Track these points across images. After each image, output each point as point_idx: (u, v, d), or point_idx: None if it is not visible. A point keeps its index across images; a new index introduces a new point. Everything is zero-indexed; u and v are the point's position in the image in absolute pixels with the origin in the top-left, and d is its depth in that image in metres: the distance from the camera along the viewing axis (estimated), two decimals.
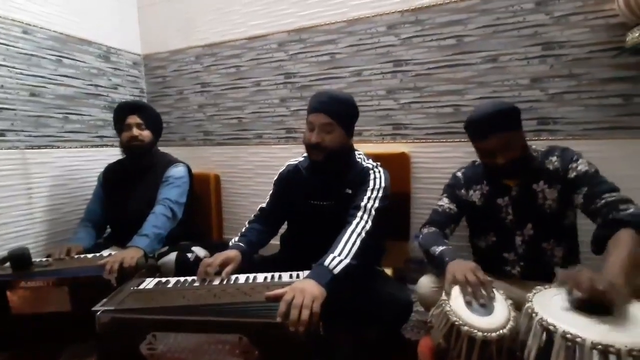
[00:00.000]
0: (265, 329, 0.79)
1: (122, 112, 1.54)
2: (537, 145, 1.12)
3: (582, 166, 1.00)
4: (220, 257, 1.08)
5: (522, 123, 1.06)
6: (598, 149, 1.32)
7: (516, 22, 1.45)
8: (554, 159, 1.05)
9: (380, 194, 1.11)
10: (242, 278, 1.02)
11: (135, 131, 1.50)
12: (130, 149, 1.52)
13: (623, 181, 1.01)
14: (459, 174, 1.23)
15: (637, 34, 1.18)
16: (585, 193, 0.97)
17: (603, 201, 0.92)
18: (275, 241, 1.38)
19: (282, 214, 1.33)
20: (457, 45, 1.56)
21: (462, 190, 1.19)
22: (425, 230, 1.17)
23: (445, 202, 1.20)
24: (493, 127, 1.02)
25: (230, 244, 1.20)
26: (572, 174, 1.00)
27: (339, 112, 1.13)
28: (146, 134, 1.53)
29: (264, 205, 1.34)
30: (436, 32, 1.58)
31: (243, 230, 1.28)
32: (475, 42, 1.53)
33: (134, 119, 1.51)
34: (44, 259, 1.28)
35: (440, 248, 1.04)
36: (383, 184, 1.14)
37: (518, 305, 0.84)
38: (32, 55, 1.72)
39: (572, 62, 1.39)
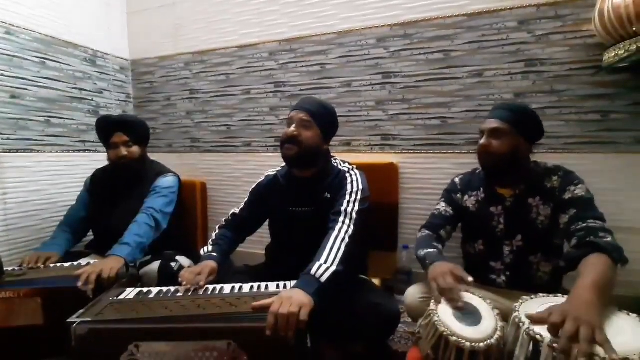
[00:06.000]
0: (255, 333, 0.77)
1: (106, 128, 1.46)
2: (545, 162, 1.13)
3: (579, 191, 1.01)
4: (198, 267, 1.06)
5: (529, 135, 1.08)
6: (578, 162, 1.35)
7: (500, 39, 1.51)
8: (555, 178, 1.06)
9: (359, 197, 1.11)
10: (227, 288, 0.99)
11: (123, 150, 1.43)
12: (119, 166, 1.46)
13: (602, 194, 1.05)
14: (457, 179, 1.26)
15: (613, 54, 1.23)
16: (571, 215, 0.98)
17: (585, 225, 0.93)
18: (260, 251, 1.36)
19: (254, 223, 1.32)
20: (444, 60, 1.60)
21: (458, 195, 1.21)
22: (419, 234, 1.19)
23: (442, 205, 1.23)
24: (498, 112, 1.09)
25: (203, 252, 1.17)
26: (567, 196, 1.01)
27: (318, 112, 1.16)
28: (134, 150, 1.47)
29: (236, 211, 1.31)
30: (424, 46, 1.63)
31: (214, 236, 1.25)
32: (461, 57, 1.57)
33: (120, 137, 1.43)
34: (18, 268, 1.22)
35: (425, 251, 1.07)
36: (361, 186, 1.14)
37: (504, 316, 0.85)
38: (14, 56, 1.67)
39: (553, 79, 1.45)
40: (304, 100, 1.21)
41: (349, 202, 1.10)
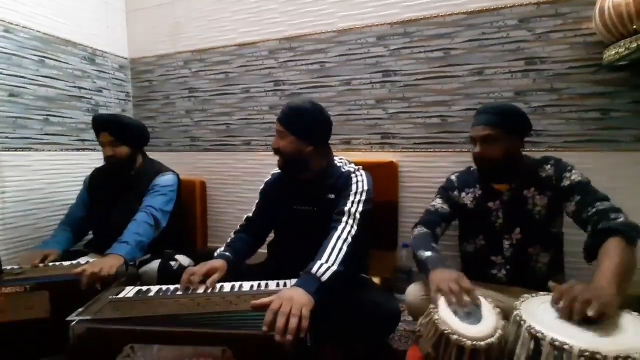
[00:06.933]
0: (250, 341, 0.76)
1: (95, 128, 1.47)
2: (531, 154, 1.15)
3: (575, 176, 1.03)
4: (205, 266, 1.05)
5: (519, 132, 1.10)
6: (578, 160, 1.34)
7: (500, 37, 1.51)
8: (548, 167, 1.08)
9: (363, 197, 1.11)
10: (227, 286, 0.99)
11: (109, 150, 1.43)
12: (110, 165, 1.47)
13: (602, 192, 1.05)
14: (453, 177, 1.27)
15: (613, 52, 1.23)
16: (577, 201, 1.00)
17: (594, 209, 0.95)
18: (262, 249, 1.35)
19: (268, 223, 1.32)
20: (444, 58, 1.60)
21: (455, 192, 1.22)
22: (415, 231, 1.19)
23: (438, 202, 1.23)
24: (484, 117, 1.09)
25: (216, 254, 1.17)
26: (566, 183, 1.03)
27: (288, 119, 1.15)
28: (121, 150, 1.45)
29: (250, 215, 1.33)
30: (424, 44, 1.62)
31: (229, 240, 1.26)
32: (461, 55, 1.57)
33: (105, 137, 1.43)
34: (16, 267, 1.21)
35: (427, 254, 1.05)
36: (366, 187, 1.14)
37: (505, 314, 0.85)
38: (13, 54, 1.66)
39: (553, 77, 1.45)
40: (282, 108, 1.20)
41: (352, 202, 1.09)
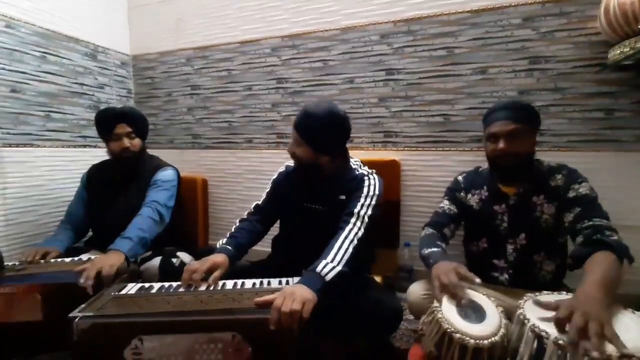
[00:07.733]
0: (259, 325, 0.77)
1: (109, 120, 1.44)
2: (548, 160, 1.13)
3: (583, 189, 1.01)
4: (207, 262, 1.04)
5: (536, 129, 1.10)
6: (582, 160, 1.36)
7: (504, 36, 1.50)
8: (559, 177, 1.06)
9: (373, 202, 1.11)
10: (229, 284, 0.99)
11: (127, 142, 1.42)
12: (122, 159, 1.45)
13: (605, 192, 1.04)
14: (460, 177, 1.25)
15: (618, 52, 1.23)
16: (576, 213, 0.98)
17: (590, 223, 0.94)
18: (266, 247, 1.35)
19: (276, 214, 1.32)
20: (447, 56, 1.59)
21: (462, 193, 1.21)
22: (423, 233, 1.19)
23: (445, 203, 1.23)
24: (505, 113, 1.07)
25: (218, 245, 1.16)
26: (572, 194, 1.02)
27: (305, 131, 1.12)
28: (136, 142, 1.46)
29: (259, 202, 1.31)
30: (427, 42, 1.62)
31: (232, 229, 1.24)
32: (465, 53, 1.57)
33: (123, 129, 1.42)
34: (18, 263, 1.21)
35: (428, 250, 1.06)
36: (377, 192, 1.14)
37: (508, 313, 0.85)
38: (14, 50, 1.66)
39: (557, 76, 1.44)
40: (300, 114, 1.15)
41: (362, 205, 1.09)
